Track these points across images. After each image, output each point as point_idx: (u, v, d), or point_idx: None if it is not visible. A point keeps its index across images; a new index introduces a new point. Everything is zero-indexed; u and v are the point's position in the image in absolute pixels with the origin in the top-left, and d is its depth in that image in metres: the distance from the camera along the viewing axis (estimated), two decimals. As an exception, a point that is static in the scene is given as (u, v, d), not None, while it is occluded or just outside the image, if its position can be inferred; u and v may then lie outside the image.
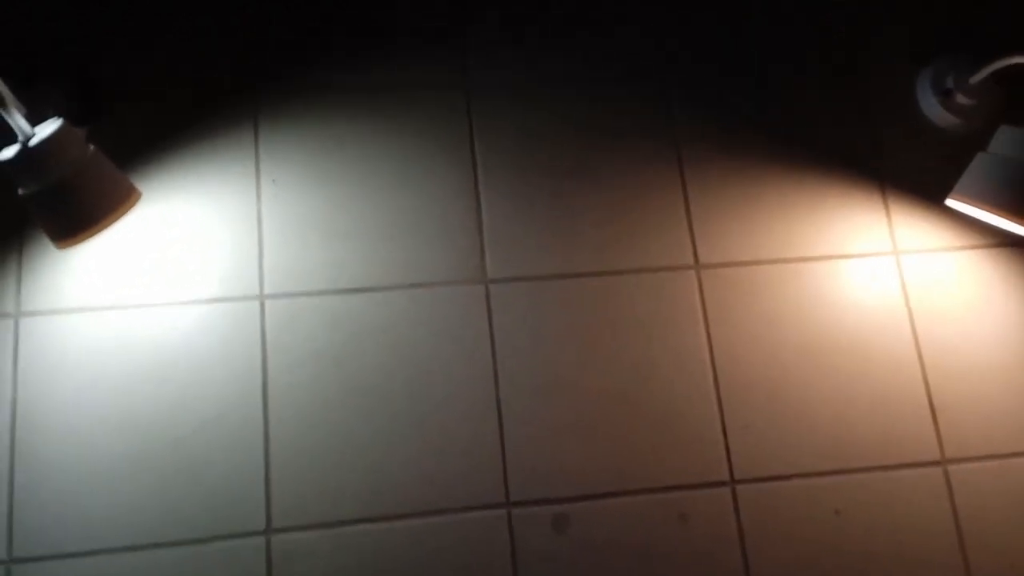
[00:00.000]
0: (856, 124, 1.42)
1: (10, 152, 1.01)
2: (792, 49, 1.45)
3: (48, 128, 1.02)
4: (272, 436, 1.19)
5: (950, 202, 1.26)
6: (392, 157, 1.32)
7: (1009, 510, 1.28)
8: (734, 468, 1.26)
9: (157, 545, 1.14)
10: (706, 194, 1.36)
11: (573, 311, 1.29)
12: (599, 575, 1.20)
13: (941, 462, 1.29)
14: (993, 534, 1.27)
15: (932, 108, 1.40)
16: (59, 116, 1.06)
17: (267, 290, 1.24)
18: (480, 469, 1.22)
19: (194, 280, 1.24)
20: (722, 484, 1.25)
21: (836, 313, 1.33)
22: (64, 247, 1.07)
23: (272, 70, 1.34)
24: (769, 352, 1.31)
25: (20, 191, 1.03)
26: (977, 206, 1.22)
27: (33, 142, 1.00)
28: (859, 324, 1.33)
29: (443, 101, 1.36)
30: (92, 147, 1.06)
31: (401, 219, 1.30)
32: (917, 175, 1.40)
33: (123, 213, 1.07)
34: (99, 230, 1.05)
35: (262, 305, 1.24)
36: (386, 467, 1.20)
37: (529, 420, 1.24)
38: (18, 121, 1.01)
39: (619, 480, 1.24)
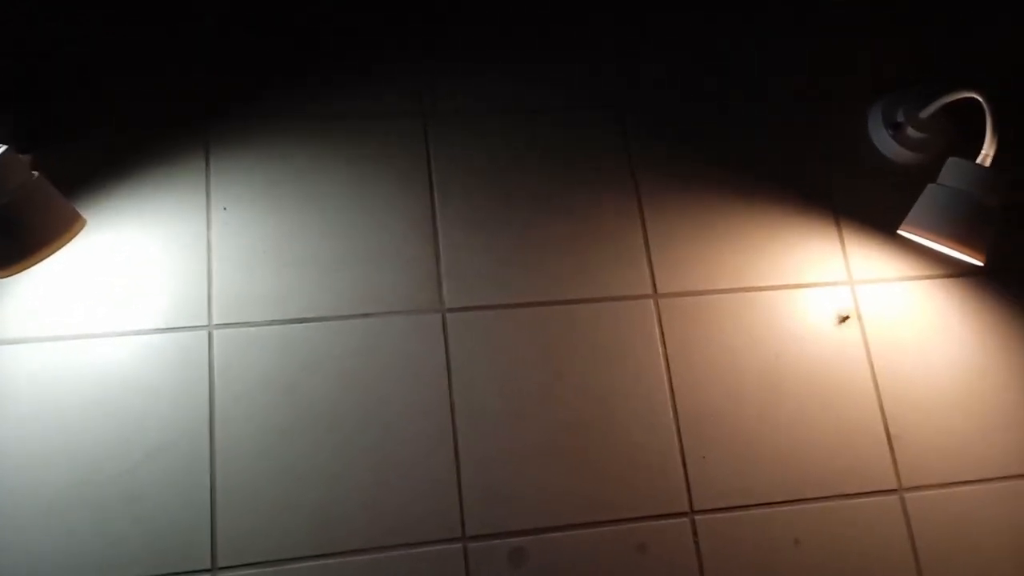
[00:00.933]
0: (811, 156, 1.44)
1: (-52, 178, 0.99)
2: (750, 80, 1.47)
3: (-11, 154, 1.00)
4: (219, 469, 1.16)
5: (902, 232, 1.28)
6: (347, 185, 1.31)
7: (966, 538, 1.28)
8: (693, 498, 1.25)
9: (97, 584, 1.10)
10: (664, 223, 1.37)
11: (531, 340, 1.28)
12: (557, 610, 1.18)
13: (898, 490, 1.29)
14: (950, 561, 1.27)
15: (884, 141, 1.43)
16: (3, 143, 1.04)
17: (216, 319, 1.22)
18: (435, 502, 1.19)
19: (141, 309, 1.21)
20: (681, 515, 1.24)
21: (793, 342, 1.34)
22: (6, 275, 1.04)
23: (225, 99, 1.33)
24: (728, 381, 1.31)
25: (-42, 218, 1.01)
26: (927, 237, 1.23)
27: (-28, 168, 0.98)
28: (816, 353, 1.34)
29: (400, 129, 1.35)
30: (36, 174, 1.04)
31: (355, 248, 1.28)
32: (870, 206, 1.42)
33: (66, 241, 1.05)
34: (42, 258, 1.03)
35: (210, 335, 1.21)
36: (337, 501, 1.17)
37: (486, 451, 1.22)
38: (-42, 147, 0.99)
39: (577, 512, 1.22)
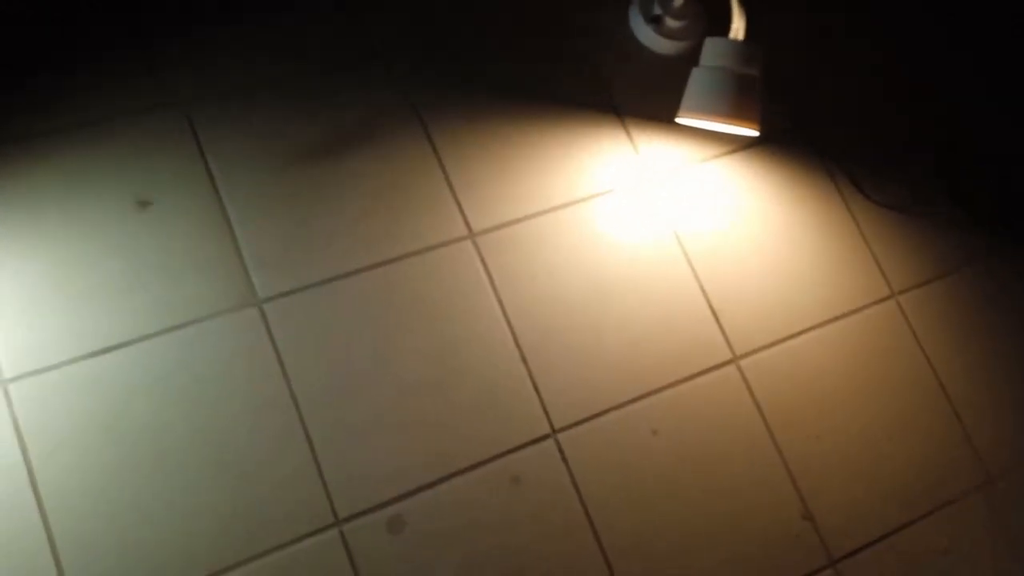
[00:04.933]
0: (581, 61, 1.47)
1: None
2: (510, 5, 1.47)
3: None
4: (55, 529, 1.07)
5: (679, 119, 1.33)
6: (120, 197, 1.21)
7: (804, 387, 1.38)
8: (552, 419, 1.28)
9: None
10: (462, 162, 1.36)
11: (358, 310, 1.25)
12: (449, 563, 1.18)
13: (733, 359, 1.37)
14: (795, 413, 1.37)
15: (647, 35, 1.47)
16: None
17: (7, 373, 1.10)
18: (299, 495, 1.15)
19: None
20: (544, 438, 1.27)
21: (608, 248, 1.38)
22: None
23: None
24: (558, 300, 1.33)
25: None
26: (703, 118, 1.29)
27: None
28: (633, 254, 1.38)
29: (163, 123, 1.26)
30: None
31: (143, 259, 1.19)
32: (648, 99, 1.47)
33: None
34: None
35: (5, 391, 1.10)
36: (197, 525, 1.11)
37: (339, 431, 1.19)
38: None
39: (444, 464, 1.22)
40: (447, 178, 1.35)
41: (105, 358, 1.14)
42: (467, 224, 1.33)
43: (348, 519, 1.16)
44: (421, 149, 1.35)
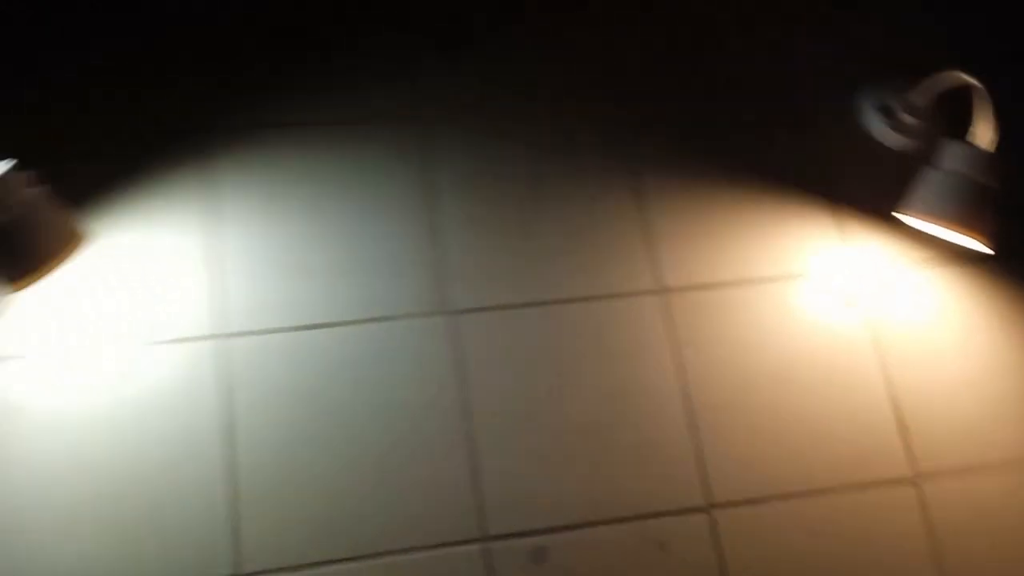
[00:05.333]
0: (804, 144, 1.45)
1: (-45, 192, 0.98)
2: (740, 73, 1.48)
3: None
4: (241, 476, 1.15)
5: (900, 215, 1.29)
6: (347, 192, 1.31)
7: (981, 521, 1.28)
8: (710, 493, 1.24)
9: (114, 599, 1.09)
10: (666, 218, 1.37)
11: (541, 339, 1.28)
12: (579, 610, 1.17)
13: (912, 478, 1.29)
14: (968, 546, 1.26)
15: (874, 126, 1.44)
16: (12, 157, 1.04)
17: (228, 328, 1.21)
18: (454, 504, 1.18)
19: (152, 321, 1.20)
20: (699, 510, 1.24)
21: (801, 332, 1.34)
22: (12, 291, 1.04)
23: (226, 109, 1.33)
24: (738, 374, 1.31)
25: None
26: (929, 220, 1.25)
27: (-19, 181, 0.98)
28: (824, 344, 1.34)
29: (397, 134, 1.36)
30: (39, 188, 1.04)
31: (358, 254, 1.28)
32: (865, 192, 1.43)
33: (70, 255, 1.04)
34: (46, 272, 1.03)
35: (224, 344, 1.20)
36: (356, 505, 1.16)
37: (502, 452, 1.22)
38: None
39: (596, 509, 1.21)
40: (648, 230, 1.37)
41: (312, 333, 1.23)
42: (660, 278, 1.34)
43: (496, 538, 1.18)
44: (627, 197, 1.38)
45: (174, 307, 1.21)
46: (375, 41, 1.41)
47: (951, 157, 1.25)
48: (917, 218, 1.26)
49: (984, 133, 1.24)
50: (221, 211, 1.27)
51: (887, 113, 1.43)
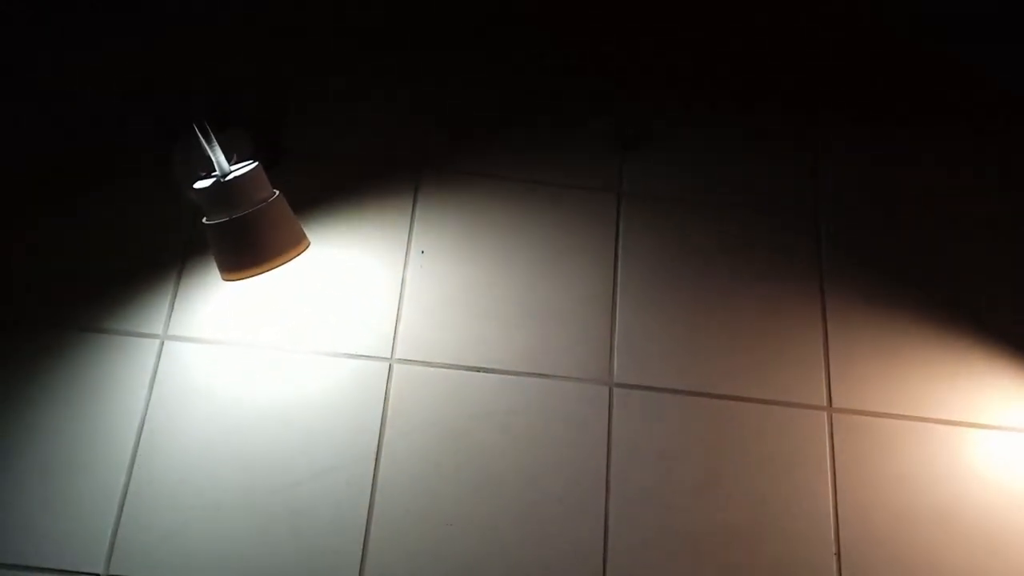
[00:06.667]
0: (1011, 297, 1.38)
1: (207, 183, 1.08)
2: (951, 217, 1.43)
3: (245, 167, 1.09)
4: (378, 498, 1.18)
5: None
6: (538, 247, 1.35)
7: None
8: (845, 631, 1.17)
9: (246, 589, 1.14)
10: (847, 338, 1.33)
11: (696, 430, 1.26)
12: None
13: (1078, 671, 1.17)
14: None
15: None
16: (252, 159, 1.13)
17: (398, 354, 1.26)
18: (575, 571, 1.17)
19: (332, 332, 1.27)
20: (829, 645, 1.17)
21: (972, 482, 1.26)
22: (230, 280, 1.12)
23: (437, 150, 1.40)
24: (895, 511, 1.24)
25: (205, 220, 1.10)
26: None
27: (230, 177, 1.07)
28: (996, 502, 1.25)
29: (594, 202, 1.39)
30: (277, 192, 1.13)
31: (537, 308, 1.31)
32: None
33: (292, 258, 1.12)
34: (267, 269, 1.10)
35: (390, 368, 1.25)
36: (484, 549, 1.17)
37: (634, 535, 1.20)
38: (218, 157, 1.09)
39: (721, 618, 1.17)
40: (826, 344, 1.33)
41: (475, 375, 1.26)
42: (830, 396, 1.30)
43: (614, 623, 1.15)
44: (812, 307, 1.35)
45: (354, 324, 1.28)
46: (582, 105, 1.46)
47: None
48: None
49: None
50: (416, 242, 1.34)
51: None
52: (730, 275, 1.36)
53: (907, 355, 1.33)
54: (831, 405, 1.29)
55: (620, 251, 1.36)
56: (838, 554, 1.21)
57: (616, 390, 1.28)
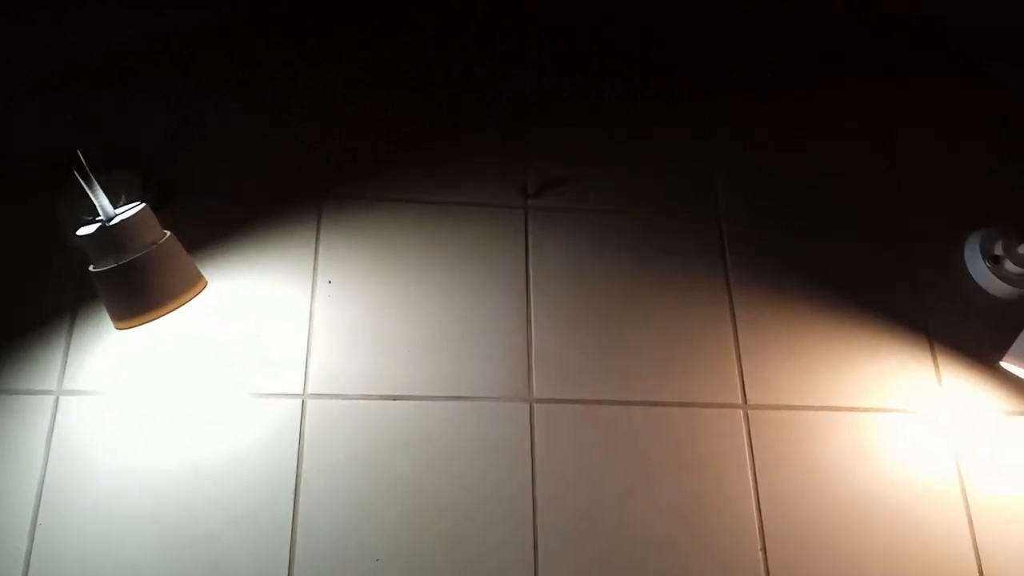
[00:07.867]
0: (906, 285, 1.44)
1: (91, 228, 1.03)
2: (846, 205, 1.49)
3: (131, 210, 1.05)
4: (299, 541, 1.15)
5: (1005, 364, 1.26)
6: (447, 269, 1.34)
7: None
8: (775, 625, 1.19)
9: (165, 650, 1.08)
10: (756, 335, 1.36)
11: (618, 439, 1.27)
12: None
13: (994, 640, 1.22)
14: None
15: (981, 274, 1.42)
16: (139, 201, 1.09)
17: (311, 389, 1.23)
18: (510, 598, 1.16)
19: (239, 371, 1.23)
20: (762, 641, 1.19)
21: (885, 468, 1.30)
22: (123, 328, 1.07)
23: (337, 177, 1.38)
24: (815, 501, 1.27)
25: (91, 267, 1.05)
26: (1034, 371, 1.21)
27: (115, 221, 1.02)
28: (907, 484, 1.29)
29: (501, 219, 1.39)
30: (168, 233, 1.08)
31: (450, 331, 1.30)
32: (966, 338, 1.40)
33: (188, 300, 1.08)
34: (162, 314, 1.06)
35: (303, 404, 1.22)
36: (414, 586, 1.15)
37: (564, 551, 1.19)
38: (101, 200, 1.04)
39: (655, 626, 1.17)
40: (737, 344, 1.35)
41: (393, 404, 1.24)
42: (744, 394, 1.32)
43: (548, 642, 1.14)
44: (721, 310, 1.38)
45: (262, 361, 1.24)
46: (490, 125, 1.46)
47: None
48: (1021, 368, 1.22)
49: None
50: (322, 272, 1.31)
51: (994, 261, 1.41)
52: (640, 282, 1.37)
53: (813, 347, 1.37)
54: (746, 402, 1.32)
55: (531, 266, 1.36)
56: (764, 549, 1.23)
57: (536, 406, 1.27)
